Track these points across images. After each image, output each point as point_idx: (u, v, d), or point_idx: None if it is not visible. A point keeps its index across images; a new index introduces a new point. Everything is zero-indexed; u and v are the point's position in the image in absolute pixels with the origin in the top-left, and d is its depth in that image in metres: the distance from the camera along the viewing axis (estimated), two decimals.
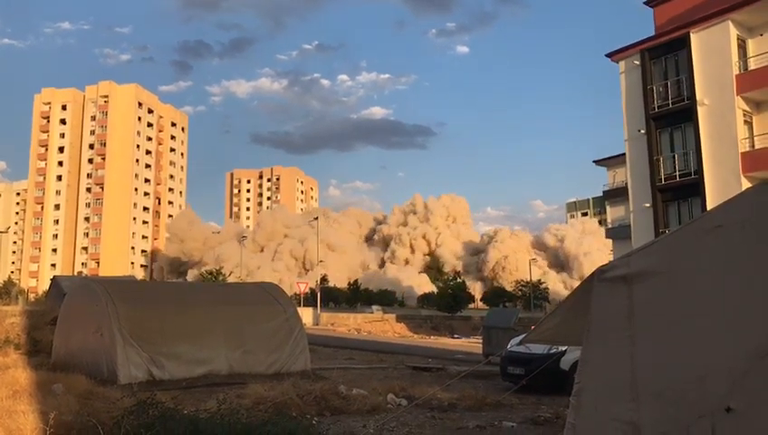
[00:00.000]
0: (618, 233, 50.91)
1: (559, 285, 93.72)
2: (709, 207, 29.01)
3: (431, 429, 9.52)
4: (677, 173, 30.85)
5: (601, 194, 54.01)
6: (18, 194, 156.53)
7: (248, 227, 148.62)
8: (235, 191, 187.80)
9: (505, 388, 13.74)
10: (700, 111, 29.88)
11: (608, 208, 56.78)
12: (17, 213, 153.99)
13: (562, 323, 4.67)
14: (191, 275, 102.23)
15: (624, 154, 34.55)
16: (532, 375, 12.24)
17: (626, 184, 45.81)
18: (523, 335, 16.88)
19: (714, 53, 29.71)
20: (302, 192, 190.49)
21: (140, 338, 13.06)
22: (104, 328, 13.16)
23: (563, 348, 13.12)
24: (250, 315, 15.16)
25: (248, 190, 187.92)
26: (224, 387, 12.42)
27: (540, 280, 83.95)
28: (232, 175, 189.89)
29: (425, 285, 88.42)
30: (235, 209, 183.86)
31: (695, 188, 29.96)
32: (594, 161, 53.26)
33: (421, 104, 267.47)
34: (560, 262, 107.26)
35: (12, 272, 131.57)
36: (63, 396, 9.87)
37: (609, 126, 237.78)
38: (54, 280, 40.60)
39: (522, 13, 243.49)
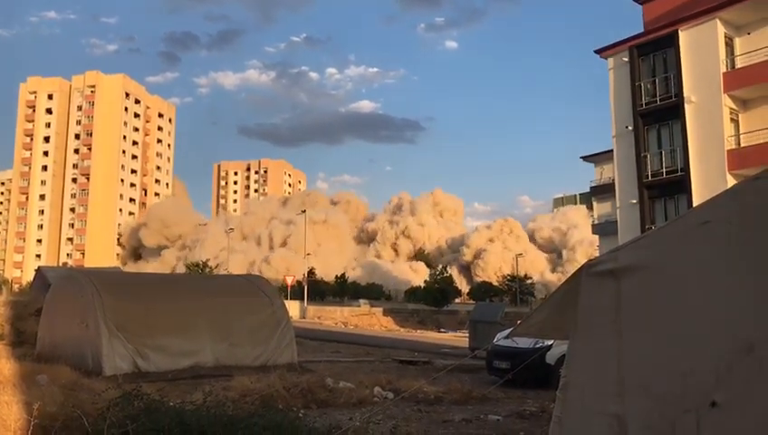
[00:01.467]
0: (604, 229, 51.13)
1: (549, 275, 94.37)
2: (695, 204, 29.22)
3: (417, 422, 9.53)
4: (664, 170, 31.04)
5: (588, 190, 54.22)
6: (3, 184, 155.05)
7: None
8: (222, 183, 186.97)
9: (491, 382, 13.81)
10: (687, 108, 30.05)
11: (594, 204, 57.02)
12: (1, 203, 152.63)
13: (550, 316, 4.68)
14: (172, 256, 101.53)
15: (612, 150, 34.70)
16: (518, 369, 12.31)
17: (613, 180, 46.04)
18: (510, 329, 16.96)
19: (701, 50, 29.87)
20: (289, 185, 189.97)
21: (126, 330, 12.99)
22: (90, 319, 13.08)
23: (549, 342, 13.18)
24: (236, 308, 15.11)
25: (235, 183, 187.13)
26: (209, 379, 12.38)
27: (526, 274, 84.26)
28: (219, 167, 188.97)
29: (421, 276, 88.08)
30: (222, 202, 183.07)
31: (681, 184, 30.17)
32: (582, 157, 53.41)
33: (410, 99, 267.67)
34: (548, 250, 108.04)
35: None
36: (48, 387, 9.79)
37: (598, 122, 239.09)
38: (39, 271, 40.41)
39: (511, 9, 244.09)
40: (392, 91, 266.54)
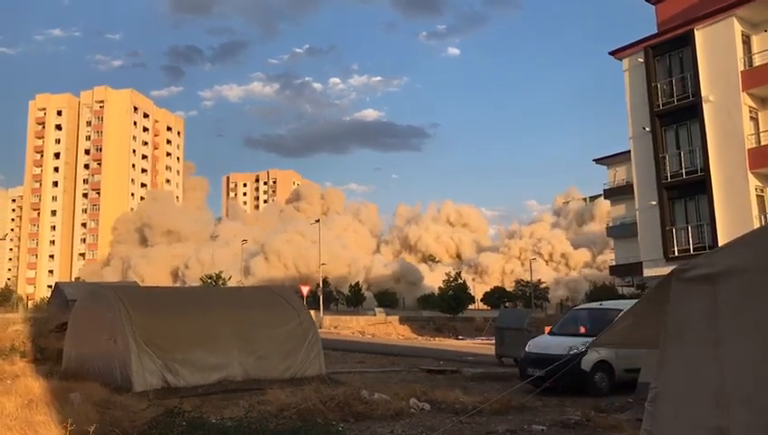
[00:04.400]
0: (619, 231, 50.84)
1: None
2: (716, 204, 28.87)
3: (460, 434, 9.30)
4: (683, 170, 30.67)
5: (596, 193, 54.04)
6: (14, 200, 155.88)
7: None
8: (232, 195, 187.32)
9: (524, 389, 13.51)
10: (705, 107, 29.72)
11: (609, 207, 56.62)
12: (13, 220, 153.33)
13: (635, 325, 4.45)
14: (175, 256, 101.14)
15: (626, 152, 34.50)
16: (555, 377, 12.03)
17: (626, 182, 45.70)
18: (536, 336, 16.69)
19: (718, 49, 29.57)
20: None
21: (154, 345, 12.80)
22: (118, 335, 12.91)
23: (584, 348, 12.91)
24: (263, 320, 14.90)
25: (245, 194, 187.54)
26: (241, 393, 12.21)
27: (540, 280, 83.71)
28: (228, 179, 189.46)
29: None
30: (231, 213, 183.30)
31: (701, 185, 29.82)
32: (594, 160, 53.31)
33: (414, 106, 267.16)
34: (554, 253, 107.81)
35: (8, 279, 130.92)
36: (81, 405, 9.62)
37: (604, 125, 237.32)
38: (57, 287, 40.36)
39: (514, 14, 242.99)
40: (396, 99, 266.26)
